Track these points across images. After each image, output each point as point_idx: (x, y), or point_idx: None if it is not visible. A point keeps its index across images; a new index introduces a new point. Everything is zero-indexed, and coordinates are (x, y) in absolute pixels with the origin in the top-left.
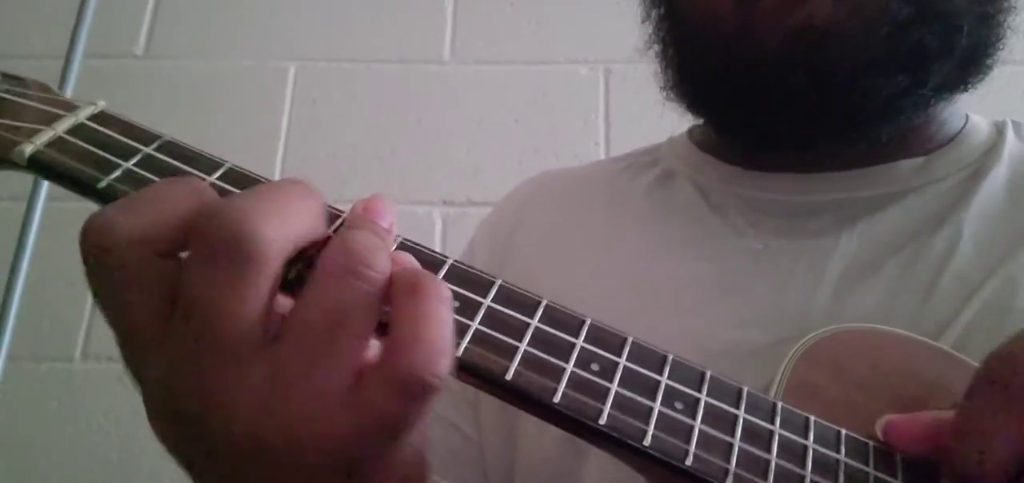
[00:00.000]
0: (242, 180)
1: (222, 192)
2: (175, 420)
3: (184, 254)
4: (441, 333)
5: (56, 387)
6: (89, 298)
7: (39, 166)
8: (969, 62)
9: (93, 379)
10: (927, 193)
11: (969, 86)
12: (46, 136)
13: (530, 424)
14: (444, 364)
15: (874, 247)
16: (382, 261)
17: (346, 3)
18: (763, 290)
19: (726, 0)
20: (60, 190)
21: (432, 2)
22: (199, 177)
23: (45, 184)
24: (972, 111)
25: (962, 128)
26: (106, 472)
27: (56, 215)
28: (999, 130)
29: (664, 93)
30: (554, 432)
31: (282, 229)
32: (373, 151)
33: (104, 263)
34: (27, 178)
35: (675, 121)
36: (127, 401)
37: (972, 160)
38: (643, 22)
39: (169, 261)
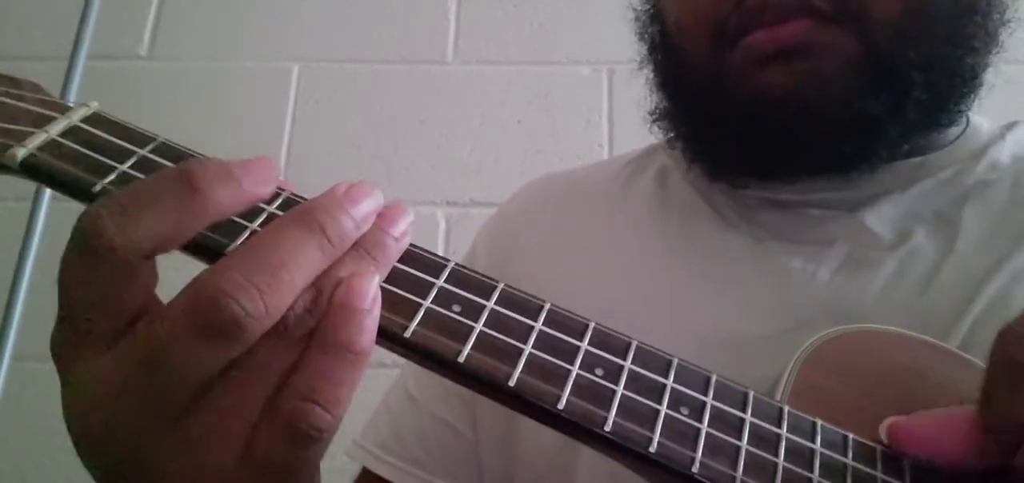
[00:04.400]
0: None
1: None
2: (79, 425)
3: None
4: (330, 390)
5: (60, 387)
6: None
7: (32, 170)
8: (932, 109)
9: None
10: (925, 186)
11: (942, 124)
12: (38, 139)
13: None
14: (324, 419)
15: (871, 241)
16: (256, 315)
17: (349, 4)
18: (761, 283)
19: (703, 42)
20: None
21: (435, 2)
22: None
23: None
24: (975, 110)
25: (962, 131)
26: None
27: (60, 215)
28: (1002, 131)
29: (650, 116)
30: None
31: (278, 306)
32: (376, 151)
33: (94, 257)
34: None
35: None
36: None
37: (970, 156)
38: (640, 39)
39: (148, 264)
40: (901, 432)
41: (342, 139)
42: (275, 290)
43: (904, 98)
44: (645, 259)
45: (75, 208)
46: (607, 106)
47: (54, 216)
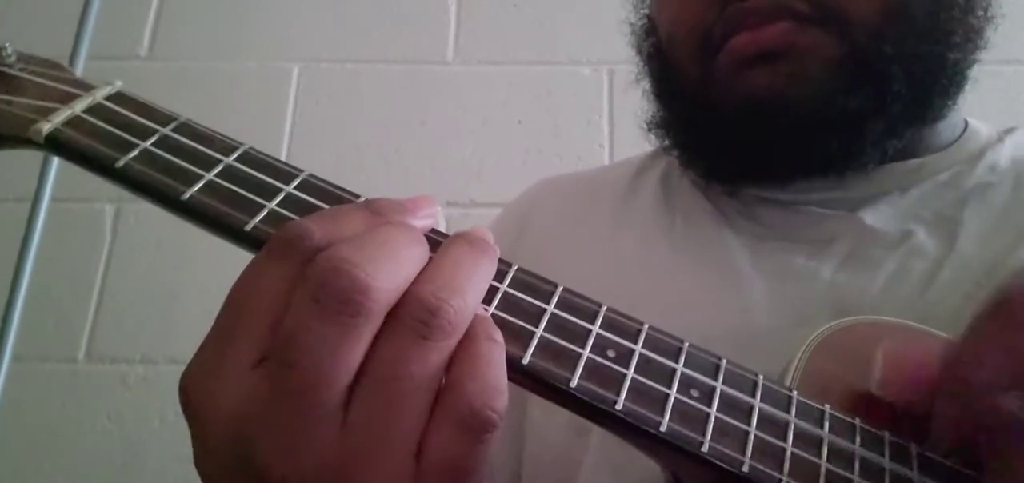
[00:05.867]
0: (257, 162)
1: (239, 174)
2: (241, 468)
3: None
4: (498, 374)
5: (60, 388)
6: (93, 299)
7: (56, 145)
8: (915, 104)
9: (97, 380)
10: (924, 187)
11: (928, 120)
12: (63, 115)
13: (536, 410)
14: (502, 402)
15: (872, 239)
16: (463, 315)
17: (350, 4)
18: (762, 280)
19: (692, 51)
20: (64, 191)
21: (436, 2)
22: (216, 159)
23: (49, 184)
24: (974, 110)
25: (961, 134)
26: (110, 473)
27: (60, 216)
28: (1001, 135)
29: (646, 125)
30: (560, 417)
31: (395, 279)
32: (377, 152)
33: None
34: (32, 178)
35: None
36: (130, 402)
37: (969, 159)
38: (637, 53)
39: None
40: (889, 376)
41: (343, 139)
42: (386, 261)
43: (885, 94)
44: (649, 257)
45: (75, 209)
46: (608, 106)
47: (54, 216)
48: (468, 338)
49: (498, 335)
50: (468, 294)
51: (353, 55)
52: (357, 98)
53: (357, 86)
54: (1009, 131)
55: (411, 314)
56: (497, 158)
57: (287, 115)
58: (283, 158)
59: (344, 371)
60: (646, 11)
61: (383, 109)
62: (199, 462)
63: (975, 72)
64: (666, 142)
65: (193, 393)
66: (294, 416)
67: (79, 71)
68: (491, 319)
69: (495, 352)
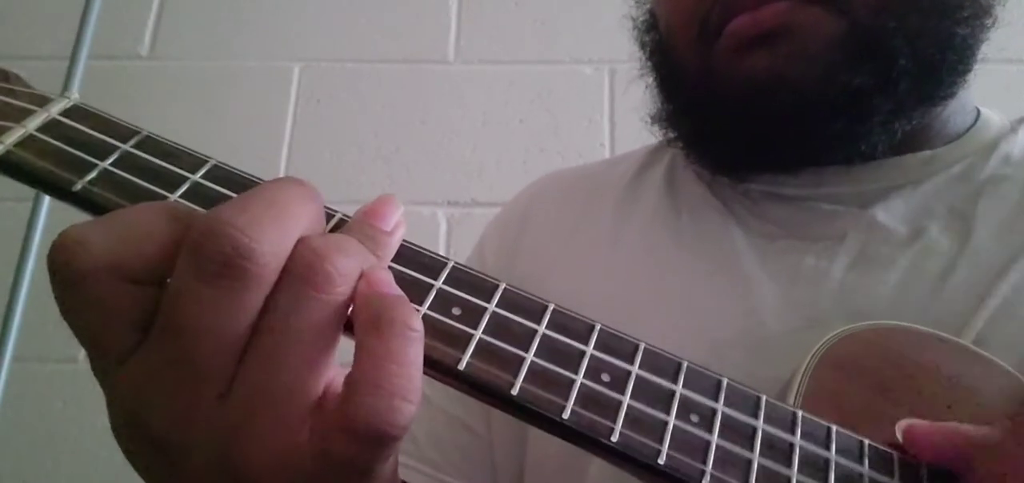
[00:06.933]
0: (227, 178)
1: (207, 193)
2: (140, 436)
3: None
4: (405, 375)
5: (61, 388)
6: None
7: (9, 167)
8: (922, 81)
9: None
10: (937, 181)
11: (936, 99)
12: (16, 134)
13: None
14: (406, 411)
15: (883, 237)
16: (343, 268)
17: (350, 3)
18: (772, 282)
19: (691, 38)
20: None
21: (436, 2)
22: (182, 176)
23: None
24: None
25: (973, 123)
26: (111, 473)
27: (61, 215)
28: (1014, 125)
29: (650, 119)
30: None
31: (281, 241)
32: (377, 151)
33: (72, 288)
34: None
35: None
36: None
37: (982, 150)
38: (640, 48)
39: (145, 288)
40: (918, 436)
41: (343, 139)
42: (272, 223)
43: (889, 70)
44: (655, 256)
45: (76, 208)
46: (609, 105)
47: (55, 215)
48: (378, 331)
49: (416, 323)
50: (349, 257)
51: (354, 54)
52: (358, 98)
53: (358, 85)
54: (1022, 120)
55: (287, 265)
56: (498, 158)
57: (287, 115)
58: (283, 158)
59: (229, 334)
60: (648, 6)
61: (384, 108)
62: (114, 432)
63: (982, 66)
64: (671, 135)
65: (96, 371)
66: (178, 383)
67: (79, 71)
68: (408, 302)
69: (408, 349)
